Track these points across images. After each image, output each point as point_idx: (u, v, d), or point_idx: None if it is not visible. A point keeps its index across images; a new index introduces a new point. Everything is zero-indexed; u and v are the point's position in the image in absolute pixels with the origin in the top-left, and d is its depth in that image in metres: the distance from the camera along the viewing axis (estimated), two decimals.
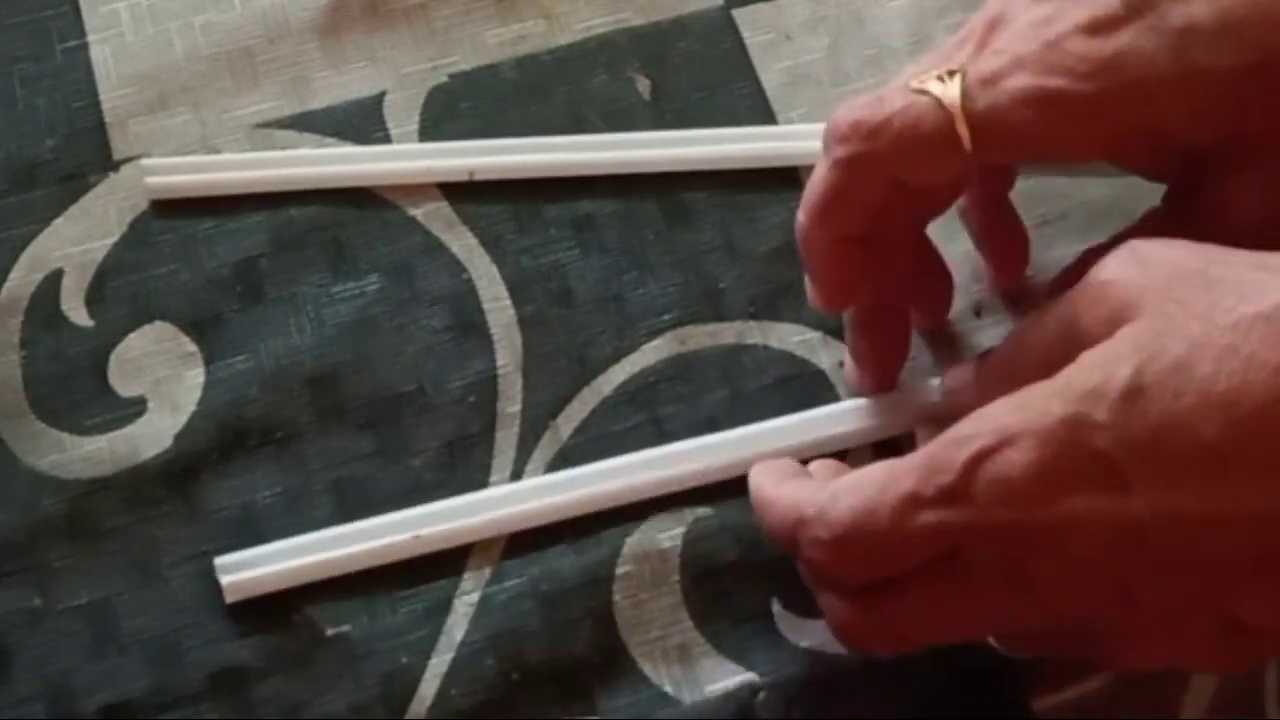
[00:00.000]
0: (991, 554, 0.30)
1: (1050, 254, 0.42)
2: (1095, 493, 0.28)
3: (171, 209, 0.43)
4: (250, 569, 0.38)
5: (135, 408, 0.41)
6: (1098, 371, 0.28)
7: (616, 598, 0.39)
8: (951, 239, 0.43)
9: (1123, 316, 0.29)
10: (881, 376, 0.40)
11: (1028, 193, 0.43)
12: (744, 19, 0.47)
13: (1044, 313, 0.33)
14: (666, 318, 0.42)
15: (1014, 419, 0.29)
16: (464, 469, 0.40)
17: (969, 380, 0.37)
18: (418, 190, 0.44)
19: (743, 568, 0.39)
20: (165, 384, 0.41)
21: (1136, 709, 0.38)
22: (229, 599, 0.38)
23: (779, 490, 0.35)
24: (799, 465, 0.37)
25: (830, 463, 0.38)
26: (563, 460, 0.40)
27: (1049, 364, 0.30)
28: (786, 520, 0.33)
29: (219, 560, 0.38)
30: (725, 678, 0.38)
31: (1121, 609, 0.30)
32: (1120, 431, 0.28)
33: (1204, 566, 0.28)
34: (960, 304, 0.42)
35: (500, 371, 0.41)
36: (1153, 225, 0.37)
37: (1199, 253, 0.30)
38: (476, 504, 0.39)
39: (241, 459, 0.40)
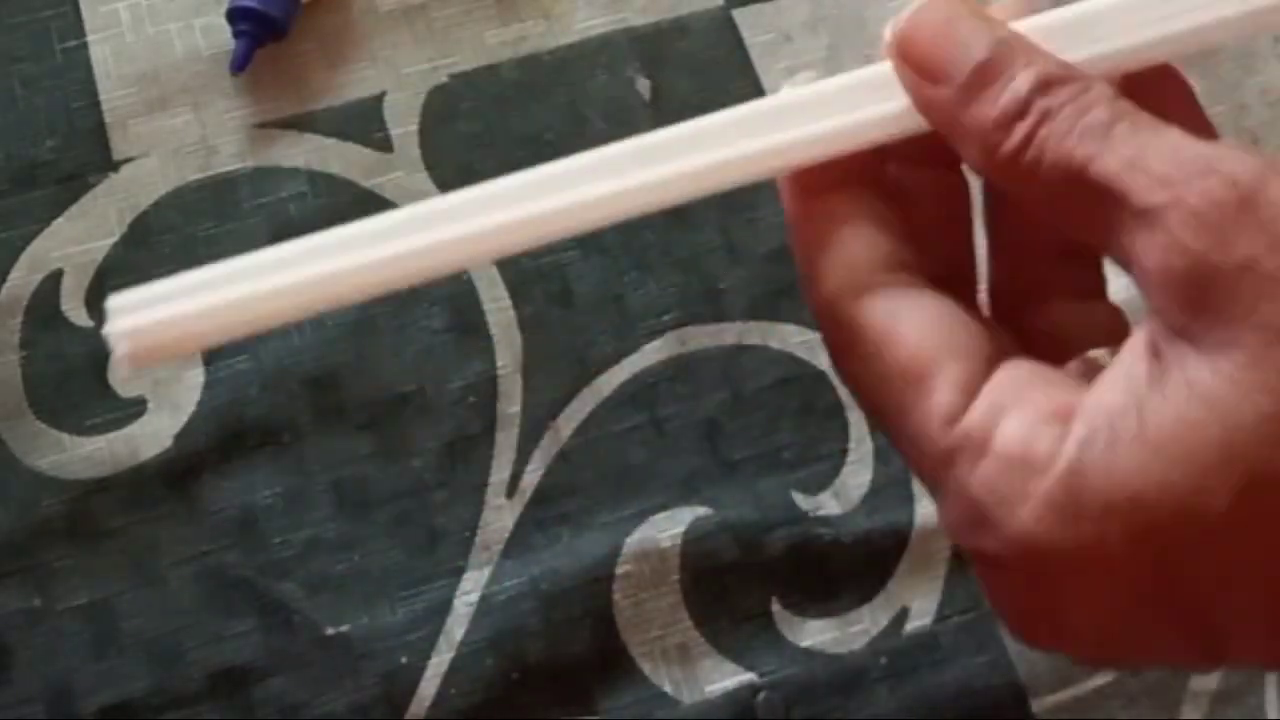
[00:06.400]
0: None
1: None
2: None
3: (172, 209, 0.43)
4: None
5: (135, 408, 0.41)
6: None
7: (616, 597, 0.39)
8: None
9: None
10: None
11: None
12: (744, 19, 0.47)
13: None
14: (666, 318, 0.42)
15: None
16: (464, 469, 0.40)
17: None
18: (418, 190, 0.44)
19: (743, 568, 0.39)
20: (165, 384, 0.41)
21: (1136, 710, 0.38)
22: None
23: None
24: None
25: None
26: (563, 461, 0.40)
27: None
28: None
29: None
30: (725, 678, 0.38)
31: None
32: None
33: None
34: None
35: (500, 372, 0.41)
36: None
37: None
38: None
39: (241, 459, 0.40)
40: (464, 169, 0.44)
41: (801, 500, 0.40)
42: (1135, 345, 0.24)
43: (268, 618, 0.38)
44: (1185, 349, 0.22)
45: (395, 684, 0.38)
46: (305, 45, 0.46)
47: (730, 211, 0.44)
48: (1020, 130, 0.24)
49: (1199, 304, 0.22)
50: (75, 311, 0.42)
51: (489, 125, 0.45)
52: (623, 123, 0.45)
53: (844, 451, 0.41)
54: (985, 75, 0.25)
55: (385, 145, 0.44)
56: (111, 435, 0.40)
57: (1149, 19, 0.26)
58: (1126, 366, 0.23)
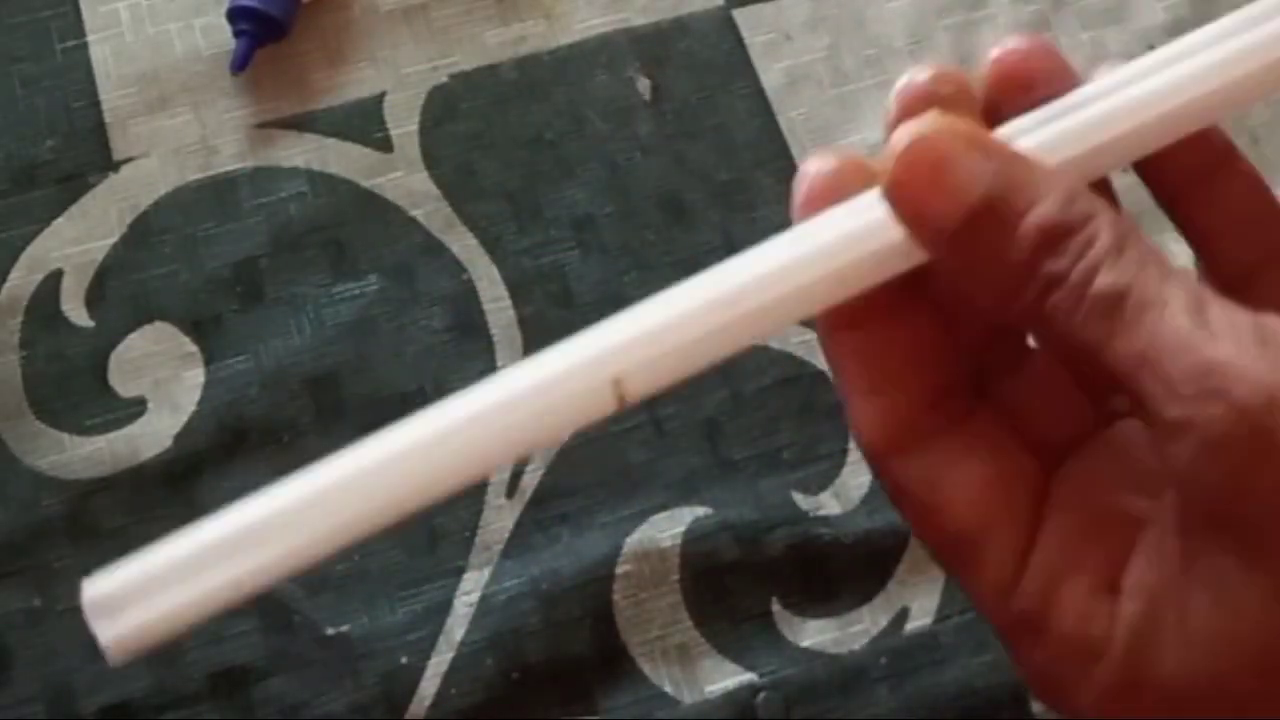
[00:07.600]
0: None
1: None
2: None
3: (172, 209, 0.43)
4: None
5: (135, 408, 0.41)
6: None
7: (616, 597, 0.39)
8: None
9: None
10: None
11: None
12: (744, 19, 0.47)
13: None
14: None
15: None
16: None
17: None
18: (418, 190, 0.44)
19: (743, 567, 0.39)
20: (165, 384, 0.41)
21: None
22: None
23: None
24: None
25: None
26: (563, 461, 0.40)
27: None
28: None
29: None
30: (725, 678, 0.38)
31: None
32: None
33: None
34: None
35: None
36: None
37: None
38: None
39: (241, 459, 0.40)
40: (464, 169, 0.44)
41: (801, 500, 0.40)
42: (1165, 516, 0.24)
43: (268, 618, 0.38)
44: (1214, 540, 0.23)
45: (395, 684, 0.38)
46: (305, 45, 0.46)
47: (730, 211, 0.44)
48: (1029, 293, 0.23)
49: (1228, 517, 0.23)
50: (75, 311, 0.42)
51: (489, 125, 0.45)
52: (623, 123, 0.45)
53: (844, 451, 0.41)
54: (982, 226, 0.24)
55: (385, 145, 0.44)
56: (111, 435, 0.40)
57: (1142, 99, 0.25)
58: (1157, 543, 0.24)
